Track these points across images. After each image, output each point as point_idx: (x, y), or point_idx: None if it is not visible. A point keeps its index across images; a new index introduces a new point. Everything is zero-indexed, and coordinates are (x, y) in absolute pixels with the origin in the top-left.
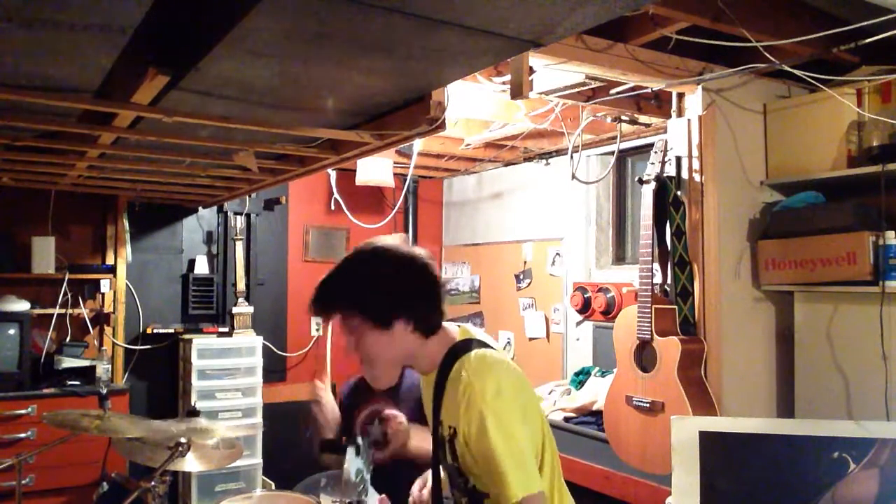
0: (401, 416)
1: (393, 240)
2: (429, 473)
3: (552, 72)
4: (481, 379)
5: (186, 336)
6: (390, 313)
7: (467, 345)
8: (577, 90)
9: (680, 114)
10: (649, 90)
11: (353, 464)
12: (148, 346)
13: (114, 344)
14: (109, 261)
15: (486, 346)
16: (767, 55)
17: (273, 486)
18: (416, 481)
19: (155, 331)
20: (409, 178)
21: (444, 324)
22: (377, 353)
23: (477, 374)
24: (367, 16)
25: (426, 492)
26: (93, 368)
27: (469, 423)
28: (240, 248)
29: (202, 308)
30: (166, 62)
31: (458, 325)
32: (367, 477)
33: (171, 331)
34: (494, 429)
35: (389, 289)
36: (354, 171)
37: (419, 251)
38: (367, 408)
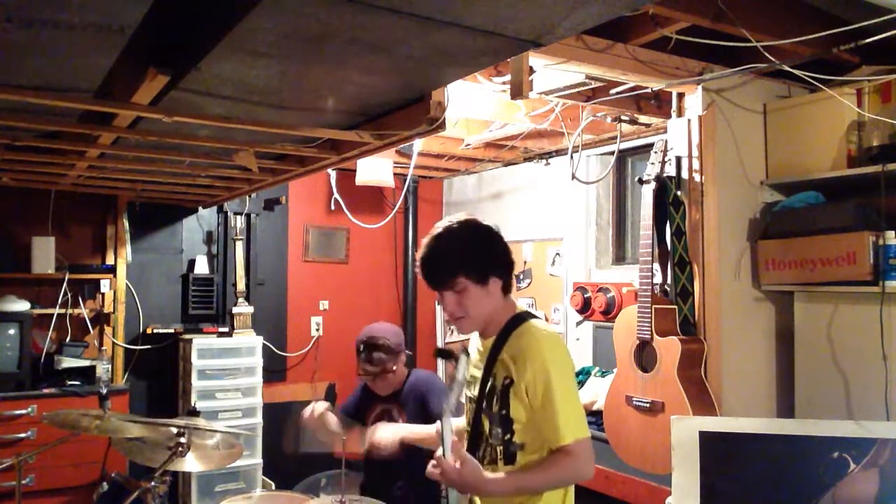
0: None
1: (463, 216)
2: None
3: (552, 72)
4: (547, 339)
5: (186, 336)
6: (489, 272)
7: (527, 315)
8: (577, 90)
9: (680, 114)
10: (649, 90)
11: (463, 369)
12: (148, 346)
13: (114, 344)
14: (109, 261)
15: (538, 318)
16: (767, 55)
17: (273, 486)
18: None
19: (155, 331)
20: (409, 178)
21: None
22: (476, 308)
23: (543, 335)
24: (367, 16)
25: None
26: (93, 368)
27: (535, 373)
28: (240, 248)
29: (202, 308)
30: (166, 62)
31: (514, 302)
32: (464, 389)
33: (171, 331)
34: (557, 379)
35: (486, 252)
36: (354, 171)
37: (490, 224)
38: (377, 409)
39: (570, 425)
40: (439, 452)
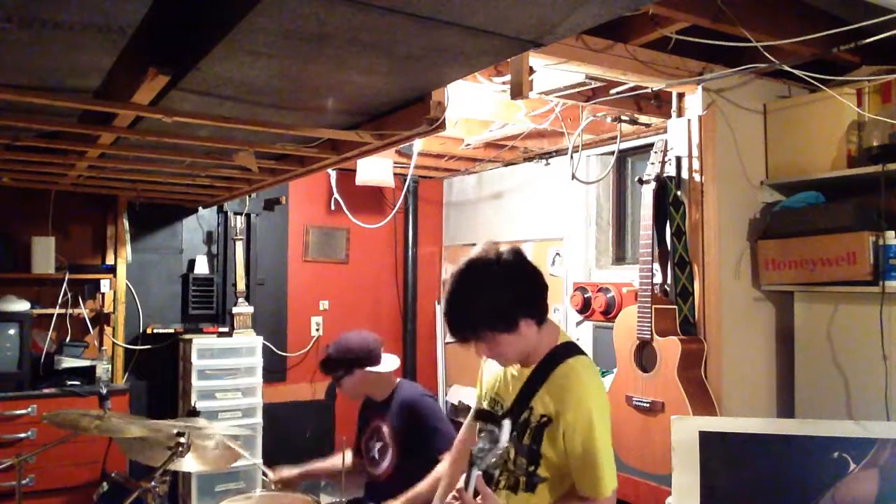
0: None
1: (480, 249)
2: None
3: (552, 72)
4: (592, 383)
5: (186, 336)
6: (518, 318)
7: (571, 349)
8: (577, 90)
9: (680, 114)
10: (649, 90)
11: (505, 434)
12: (148, 346)
13: (114, 344)
14: (109, 261)
15: (582, 352)
16: (767, 55)
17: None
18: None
19: (155, 331)
20: (409, 178)
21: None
22: (509, 350)
23: (588, 378)
24: (367, 16)
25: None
26: (93, 368)
27: (576, 420)
28: (240, 248)
29: (202, 308)
30: (166, 62)
31: (558, 326)
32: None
33: (171, 331)
34: (600, 428)
35: (512, 301)
36: (354, 171)
37: (512, 252)
38: (372, 424)
39: (607, 478)
40: (461, 484)
